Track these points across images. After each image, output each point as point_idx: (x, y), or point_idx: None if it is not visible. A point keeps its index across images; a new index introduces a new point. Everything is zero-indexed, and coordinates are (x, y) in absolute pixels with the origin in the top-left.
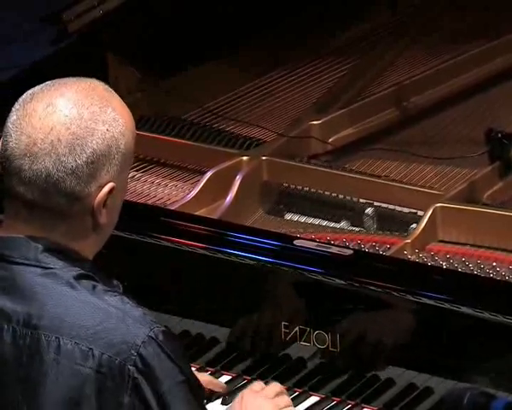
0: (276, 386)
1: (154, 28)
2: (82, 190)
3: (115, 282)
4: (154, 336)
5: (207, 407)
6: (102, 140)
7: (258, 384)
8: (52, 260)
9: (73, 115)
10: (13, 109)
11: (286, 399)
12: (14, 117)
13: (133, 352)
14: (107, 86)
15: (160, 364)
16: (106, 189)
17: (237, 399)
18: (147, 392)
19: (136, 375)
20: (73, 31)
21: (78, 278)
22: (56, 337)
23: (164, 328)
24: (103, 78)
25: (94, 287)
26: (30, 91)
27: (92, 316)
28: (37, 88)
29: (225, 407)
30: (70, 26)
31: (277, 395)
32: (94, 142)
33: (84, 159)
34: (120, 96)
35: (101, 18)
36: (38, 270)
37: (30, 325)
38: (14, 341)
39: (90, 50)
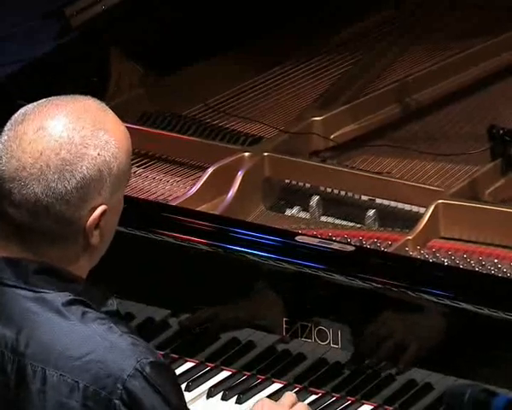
0: (290, 396)
1: (156, 24)
2: (72, 215)
3: (110, 301)
4: (140, 368)
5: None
6: (93, 165)
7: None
8: (43, 283)
9: (63, 140)
10: (5, 129)
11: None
12: (5, 138)
13: (119, 386)
14: (102, 105)
15: (147, 397)
16: (98, 212)
17: (257, 406)
18: None
19: (122, 408)
20: (76, 26)
21: (68, 304)
22: (42, 368)
23: (152, 359)
24: (106, 73)
25: (83, 314)
26: (22, 110)
27: (79, 346)
28: (29, 107)
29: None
30: (73, 21)
31: (293, 404)
32: (84, 167)
33: (74, 184)
34: (123, 91)
35: (103, 13)
36: (29, 293)
37: (17, 351)
38: (1, 365)
39: (92, 46)
